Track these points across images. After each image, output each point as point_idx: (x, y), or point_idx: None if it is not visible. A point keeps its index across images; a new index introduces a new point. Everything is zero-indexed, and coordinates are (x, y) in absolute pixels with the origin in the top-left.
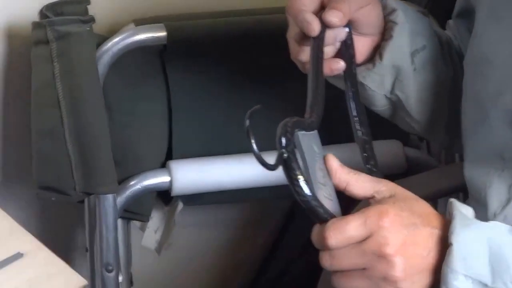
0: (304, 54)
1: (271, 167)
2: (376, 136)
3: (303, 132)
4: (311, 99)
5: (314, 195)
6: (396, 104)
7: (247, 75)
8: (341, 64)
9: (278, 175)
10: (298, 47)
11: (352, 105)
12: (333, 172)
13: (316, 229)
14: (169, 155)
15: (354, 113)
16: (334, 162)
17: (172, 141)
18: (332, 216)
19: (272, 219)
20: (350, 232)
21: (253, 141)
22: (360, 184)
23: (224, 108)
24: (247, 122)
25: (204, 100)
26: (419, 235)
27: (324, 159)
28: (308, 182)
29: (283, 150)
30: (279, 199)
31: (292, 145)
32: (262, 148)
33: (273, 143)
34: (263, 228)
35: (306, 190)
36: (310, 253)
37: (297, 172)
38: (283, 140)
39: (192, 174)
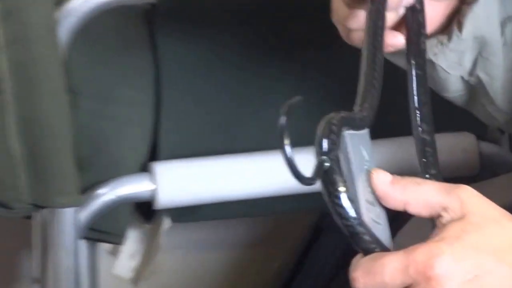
0: (355, 20)
1: (307, 181)
2: (441, 126)
3: (352, 131)
4: (364, 85)
5: (360, 219)
6: (476, 89)
7: (265, 48)
8: (399, 40)
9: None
10: (347, 10)
11: (414, 92)
12: (383, 195)
13: (357, 261)
14: (153, 155)
15: (415, 103)
16: (381, 181)
17: (159, 136)
18: (383, 247)
19: (291, 237)
20: (384, 278)
21: (288, 145)
22: (422, 201)
23: (231, 92)
24: (283, 119)
25: (204, 82)
26: (489, 284)
27: (370, 177)
28: (353, 200)
29: (325, 157)
30: (301, 212)
31: (337, 150)
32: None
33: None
34: (279, 249)
35: (351, 211)
36: (341, 279)
37: (341, 188)
38: (326, 144)
39: (184, 180)
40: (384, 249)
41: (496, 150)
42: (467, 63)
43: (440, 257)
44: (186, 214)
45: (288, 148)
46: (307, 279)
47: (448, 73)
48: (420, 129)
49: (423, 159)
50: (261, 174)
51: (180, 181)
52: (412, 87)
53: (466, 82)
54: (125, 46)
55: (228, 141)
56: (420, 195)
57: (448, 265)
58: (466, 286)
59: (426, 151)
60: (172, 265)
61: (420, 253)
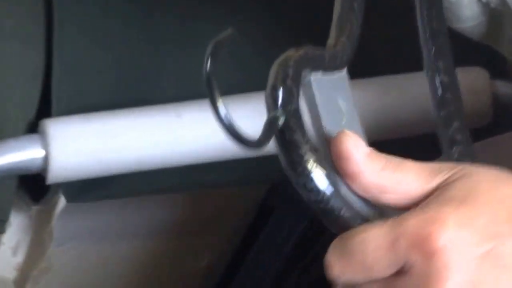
0: None
1: (253, 145)
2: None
3: (319, 75)
4: (340, 11)
5: (335, 190)
6: (499, 15)
7: None
8: None
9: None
10: None
11: (424, 17)
12: (352, 170)
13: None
14: (45, 111)
15: (427, 33)
16: (354, 148)
17: (51, 85)
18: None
19: (227, 221)
20: (366, 258)
21: (217, 97)
22: (403, 188)
23: (142, 27)
24: (208, 63)
25: (107, 14)
26: (507, 255)
27: (336, 140)
28: (323, 167)
29: (279, 111)
30: (243, 186)
31: (296, 102)
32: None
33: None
34: (211, 239)
35: (321, 181)
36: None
37: (304, 151)
38: (280, 93)
39: (86, 144)
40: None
41: None
42: None
43: (443, 223)
44: (88, 190)
45: (219, 103)
46: (249, 278)
47: None
48: (435, 68)
49: (442, 109)
50: (186, 133)
51: (81, 145)
52: (422, 10)
53: (485, 5)
54: None
55: (143, 90)
56: (402, 179)
57: (456, 234)
58: (480, 262)
59: (446, 98)
60: (69, 261)
61: (414, 221)
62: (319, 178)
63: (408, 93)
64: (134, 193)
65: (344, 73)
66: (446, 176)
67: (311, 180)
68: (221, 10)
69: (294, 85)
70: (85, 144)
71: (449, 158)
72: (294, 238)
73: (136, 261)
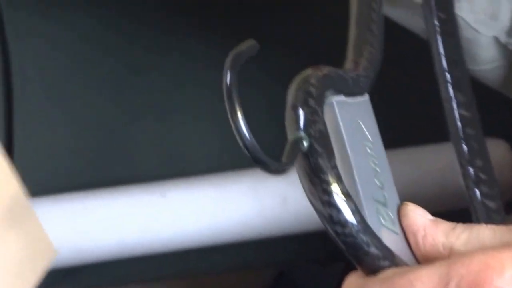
0: None
1: (276, 169)
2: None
3: (342, 97)
4: (358, 31)
5: (364, 224)
6: None
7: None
8: None
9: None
10: None
11: (440, 48)
12: (418, 229)
13: (352, 283)
14: None
15: (444, 63)
16: (419, 214)
17: (14, 163)
18: (398, 263)
19: None
20: None
21: (239, 112)
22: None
23: (121, 96)
24: (228, 76)
25: (84, 81)
26: None
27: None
28: (349, 196)
29: (301, 134)
30: (244, 271)
31: (321, 123)
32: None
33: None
34: None
35: (348, 214)
36: None
37: (330, 178)
38: (302, 115)
39: (60, 228)
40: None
41: None
42: (505, 16)
43: (501, 268)
44: (65, 280)
45: (241, 120)
46: None
47: (477, 31)
48: (453, 100)
49: (464, 145)
50: (172, 215)
51: (54, 230)
52: (437, 41)
53: (503, 47)
54: None
55: (121, 168)
56: (474, 239)
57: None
58: None
59: (467, 133)
60: None
61: (469, 263)
62: (345, 207)
63: (434, 165)
64: (117, 282)
65: (366, 97)
66: None
67: (338, 210)
68: (202, 81)
69: (317, 105)
70: (59, 228)
71: (471, 199)
72: None
73: None
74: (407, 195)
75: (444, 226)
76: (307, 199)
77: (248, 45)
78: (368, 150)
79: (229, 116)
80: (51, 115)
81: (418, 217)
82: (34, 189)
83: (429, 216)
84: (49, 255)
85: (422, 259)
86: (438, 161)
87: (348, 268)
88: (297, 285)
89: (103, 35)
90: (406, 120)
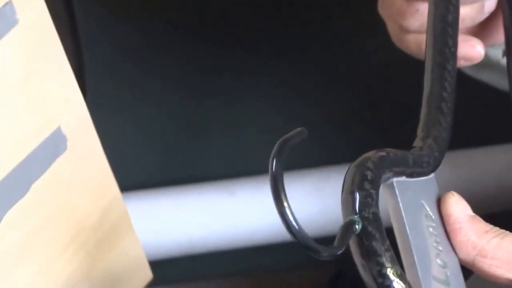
0: (416, 18)
1: (327, 253)
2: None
3: (404, 178)
4: (428, 110)
5: None
6: None
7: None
8: (477, 51)
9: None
10: (405, 1)
11: None
12: (454, 227)
13: None
14: None
15: None
16: (460, 209)
17: None
18: None
19: None
20: None
21: (285, 201)
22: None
23: (189, 105)
24: (274, 164)
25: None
26: None
27: (443, 200)
28: (404, 280)
29: (355, 217)
30: (307, 269)
31: (375, 206)
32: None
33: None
34: None
35: None
36: None
37: (384, 260)
38: (357, 198)
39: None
40: None
41: None
42: None
43: None
44: None
45: (287, 209)
46: None
47: None
48: None
49: None
50: (241, 213)
51: None
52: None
53: None
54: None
55: (190, 170)
56: (505, 247)
57: None
58: None
59: None
60: None
61: None
62: None
63: (483, 168)
64: (185, 279)
65: (432, 176)
66: None
67: None
68: (271, 79)
69: (372, 188)
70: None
71: None
72: None
73: None
74: (463, 196)
75: (478, 226)
76: None
77: (296, 132)
78: (431, 230)
79: (275, 205)
80: (122, 116)
81: (458, 209)
82: None
83: (469, 212)
84: (145, 277)
85: (456, 247)
86: (495, 162)
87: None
88: (355, 283)
89: (173, 38)
90: (464, 123)
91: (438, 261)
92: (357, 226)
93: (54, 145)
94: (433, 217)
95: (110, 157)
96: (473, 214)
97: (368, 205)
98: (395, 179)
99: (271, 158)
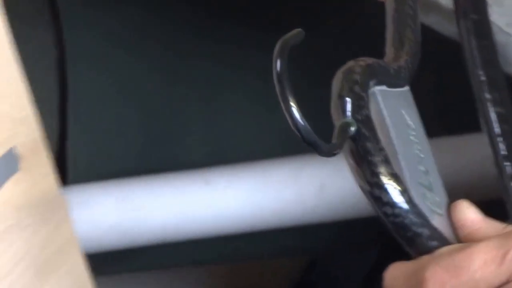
0: None
1: (327, 149)
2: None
3: (385, 87)
4: (396, 25)
5: (412, 205)
6: None
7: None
8: None
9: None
10: None
11: (473, 49)
12: (471, 225)
13: (403, 267)
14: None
15: (478, 63)
16: (471, 211)
17: (66, 150)
18: (446, 243)
19: None
20: (474, 274)
21: (290, 98)
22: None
23: (168, 87)
24: (278, 63)
25: (130, 73)
26: None
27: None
28: (397, 179)
29: (349, 119)
30: (281, 258)
31: (367, 109)
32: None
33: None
34: None
35: (397, 195)
36: None
37: (378, 160)
38: (348, 101)
39: (107, 213)
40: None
41: None
42: None
43: None
44: (112, 263)
45: (293, 106)
46: None
47: (509, 35)
48: (489, 100)
49: (500, 142)
50: (216, 202)
51: (101, 215)
52: (469, 40)
53: None
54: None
55: (167, 154)
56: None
57: None
58: None
59: (504, 130)
60: None
61: None
62: (394, 189)
63: (476, 154)
64: (161, 266)
65: (407, 88)
66: None
67: (386, 192)
68: (247, 71)
69: (362, 91)
70: (107, 214)
71: (508, 195)
72: None
73: None
74: (449, 184)
75: (496, 224)
76: (343, 188)
77: (294, 33)
78: (412, 138)
79: (281, 102)
80: (100, 105)
81: (472, 213)
82: (83, 175)
83: (481, 214)
84: None
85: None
86: (480, 150)
87: (382, 257)
88: (329, 272)
89: (155, 24)
90: (447, 110)
91: (421, 167)
92: (352, 128)
93: (7, 165)
94: (413, 126)
95: (87, 146)
96: (485, 216)
97: (361, 107)
98: (377, 88)
99: (274, 59)
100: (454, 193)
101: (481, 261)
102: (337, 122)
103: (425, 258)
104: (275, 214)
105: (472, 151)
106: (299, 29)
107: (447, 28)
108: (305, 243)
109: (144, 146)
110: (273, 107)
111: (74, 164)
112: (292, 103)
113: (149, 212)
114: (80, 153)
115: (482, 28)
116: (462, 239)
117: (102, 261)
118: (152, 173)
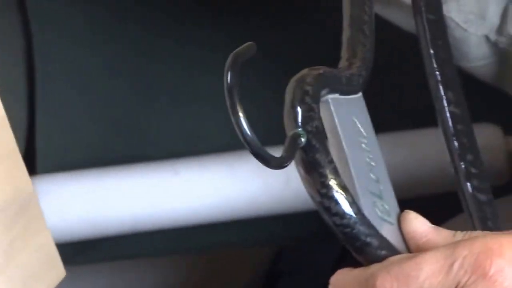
0: None
1: (276, 162)
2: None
3: (337, 96)
4: (351, 31)
5: (361, 216)
6: (509, 54)
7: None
8: None
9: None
10: None
11: (429, 47)
12: (424, 236)
13: (353, 274)
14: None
15: (434, 63)
16: (420, 221)
17: (35, 140)
18: (395, 252)
19: (236, 284)
20: (421, 283)
21: (240, 111)
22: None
23: (136, 75)
24: (229, 76)
25: (99, 61)
26: None
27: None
28: (346, 189)
29: (299, 130)
30: (249, 247)
31: (317, 120)
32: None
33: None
34: None
35: (346, 206)
36: None
37: (327, 172)
38: (299, 112)
39: (76, 204)
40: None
41: None
42: (493, 15)
43: (501, 249)
44: (81, 252)
45: (242, 118)
46: None
47: (466, 31)
48: (444, 99)
49: (455, 142)
50: (185, 192)
51: (71, 206)
52: (426, 39)
53: (493, 45)
54: None
55: (136, 145)
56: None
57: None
58: None
59: (458, 130)
60: None
61: (472, 245)
62: (342, 200)
63: (421, 150)
64: (130, 256)
65: (360, 95)
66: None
67: (336, 202)
68: (215, 63)
69: (313, 102)
70: (76, 204)
71: (463, 193)
72: None
73: None
74: (404, 178)
75: (445, 233)
76: None
77: (246, 47)
78: (363, 146)
79: (230, 114)
80: (67, 94)
81: (420, 224)
82: (52, 165)
83: (430, 224)
84: (58, 274)
85: None
86: (435, 144)
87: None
88: (296, 261)
89: (121, 20)
90: (403, 105)
91: (372, 175)
92: (302, 139)
93: None
94: (365, 134)
95: (55, 135)
96: (434, 226)
97: (311, 119)
98: (329, 96)
99: (225, 71)
100: (415, 187)
101: (429, 271)
102: (288, 132)
103: (375, 266)
104: (242, 204)
105: (431, 144)
106: (251, 43)
107: (406, 22)
108: (273, 233)
109: (113, 137)
110: (245, 99)
111: (43, 154)
112: (241, 115)
113: (118, 202)
114: (49, 143)
115: (438, 28)
116: (413, 249)
117: (71, 251)
118: (121, 163)
